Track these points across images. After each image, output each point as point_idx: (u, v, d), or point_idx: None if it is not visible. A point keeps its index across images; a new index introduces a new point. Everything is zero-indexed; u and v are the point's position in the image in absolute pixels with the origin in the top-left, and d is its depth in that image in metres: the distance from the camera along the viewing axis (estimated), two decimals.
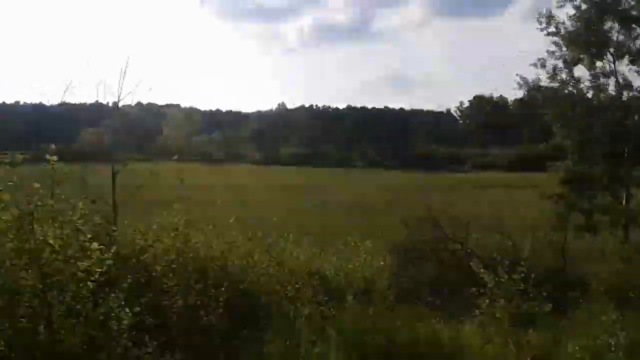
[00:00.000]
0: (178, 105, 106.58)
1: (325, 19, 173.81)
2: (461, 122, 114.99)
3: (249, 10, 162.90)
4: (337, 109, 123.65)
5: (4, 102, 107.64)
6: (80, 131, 76.26)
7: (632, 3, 15.34)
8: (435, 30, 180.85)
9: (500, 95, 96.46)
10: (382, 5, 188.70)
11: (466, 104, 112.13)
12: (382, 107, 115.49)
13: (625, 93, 15.66)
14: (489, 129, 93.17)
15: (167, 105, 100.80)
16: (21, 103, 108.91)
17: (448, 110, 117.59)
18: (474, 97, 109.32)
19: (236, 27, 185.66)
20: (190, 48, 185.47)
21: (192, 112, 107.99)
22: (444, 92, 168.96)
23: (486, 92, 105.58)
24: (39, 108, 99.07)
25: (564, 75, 15.83)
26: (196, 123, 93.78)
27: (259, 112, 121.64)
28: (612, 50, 15.52)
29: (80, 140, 74.88)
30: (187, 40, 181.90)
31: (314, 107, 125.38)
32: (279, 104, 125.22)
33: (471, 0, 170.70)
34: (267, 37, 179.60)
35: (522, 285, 6.82)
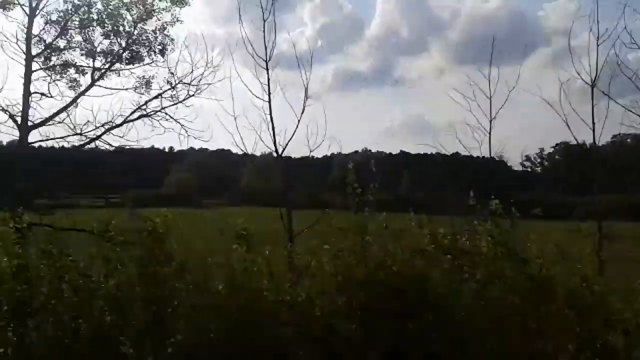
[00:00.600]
0: (229, 151, 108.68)
1: (347, 67, 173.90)
2: (539, 169, 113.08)
3: (273, 60, 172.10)
4: (390, 154, 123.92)
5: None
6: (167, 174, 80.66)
7: None
8: (455, 77, 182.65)
9: (591, 143, 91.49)
10: (403, 53, 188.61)
11: (548, 150, 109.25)
12: (430, 152, 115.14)
13: None
14: (575, 176, 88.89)
15: (217, 151, 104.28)
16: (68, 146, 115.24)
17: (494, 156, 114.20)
18: (560, 144, 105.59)
19: (259, 74, 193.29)
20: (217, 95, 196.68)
21: (267, 157, 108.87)
22: (468, 138, 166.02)
23: (513, 139, 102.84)
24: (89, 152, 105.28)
25: None
26: (271, 168, 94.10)
27: (332, 156, 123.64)
28: None
29: (167, 184, 78.51)
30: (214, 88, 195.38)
31: (369, 151, 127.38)
32: (363, 149, 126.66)
33: (492, 50, 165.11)
34: (291, 84, 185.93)
35: None
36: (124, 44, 15.15)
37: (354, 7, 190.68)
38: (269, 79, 10.74)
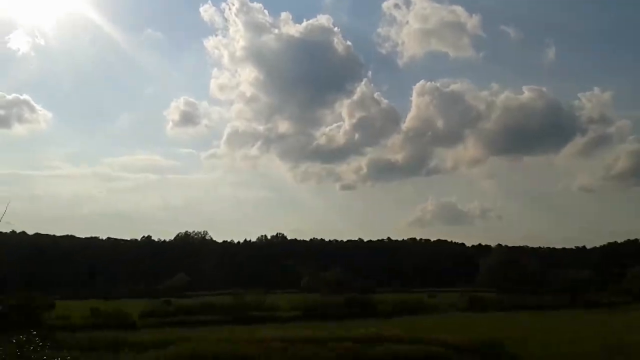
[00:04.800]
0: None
1: (383, 159, 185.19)
2: None
3: (309, 152, 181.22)
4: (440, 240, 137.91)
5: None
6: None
7: None
8: (491, 167, 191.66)
9: None
10: (437, 144, 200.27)
11: None
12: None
13: None
14: None
15: None
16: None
17: None
18: None
19: (296, 166, 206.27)
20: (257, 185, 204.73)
21: None
22: (503, 227, 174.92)
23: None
24: None
25: None
26: None
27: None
28: None
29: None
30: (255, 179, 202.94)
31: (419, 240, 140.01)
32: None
33: (529, 140, 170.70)
34: (326, 175, 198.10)
35: None
36: None
37: (390, 102, 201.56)
38: None
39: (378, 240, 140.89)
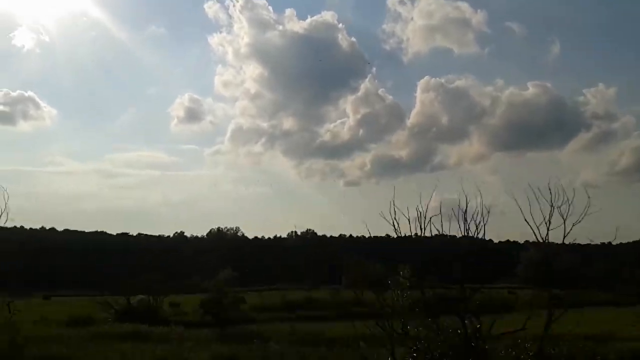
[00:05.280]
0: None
1: (387, 155, 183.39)
2: None
3: (314, 149, 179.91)
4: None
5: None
6: None
7: None
8: (495, 162, 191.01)
9: None
10: (442, 140, 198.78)
11: None
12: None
13: None
14: None
15: None
16: None
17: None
18: None
19: (301, 163, 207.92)
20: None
21: None
22: (506, 224, 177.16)
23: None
24: None
25: None
26: None
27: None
28: None
29: None
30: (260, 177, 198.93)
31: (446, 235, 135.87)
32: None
33: (533, 136, 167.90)
34: (330, 171, 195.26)
35: None
36: None
37: (394, 98, 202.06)
38: None
39: (407, 235, 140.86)
